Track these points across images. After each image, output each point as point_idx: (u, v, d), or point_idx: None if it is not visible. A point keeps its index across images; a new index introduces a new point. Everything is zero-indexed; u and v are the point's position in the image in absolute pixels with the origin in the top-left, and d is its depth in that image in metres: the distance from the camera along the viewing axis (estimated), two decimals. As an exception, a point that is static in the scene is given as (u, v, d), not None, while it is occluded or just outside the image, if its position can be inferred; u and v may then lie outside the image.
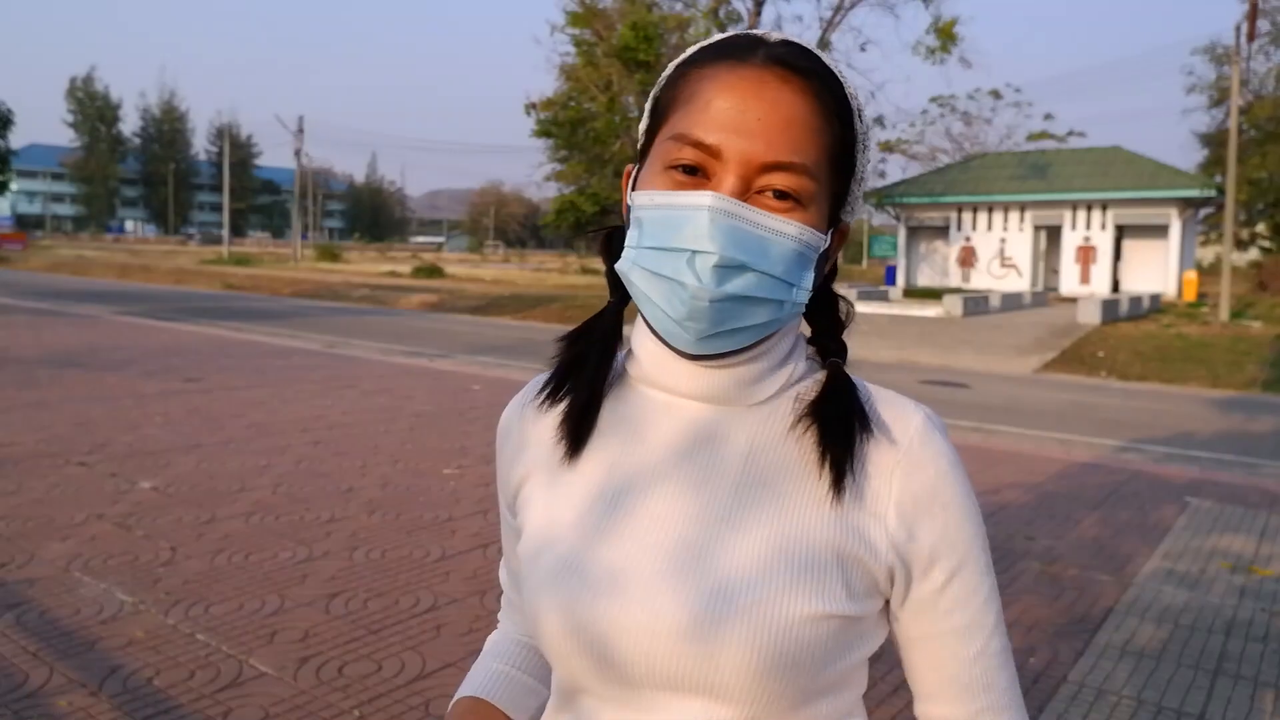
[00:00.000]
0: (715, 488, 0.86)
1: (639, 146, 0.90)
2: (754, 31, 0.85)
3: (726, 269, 0.78)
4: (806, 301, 0.85)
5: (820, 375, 0.89)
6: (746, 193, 0.80)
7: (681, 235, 0.79)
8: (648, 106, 0.89)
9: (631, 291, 0.86)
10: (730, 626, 0.80)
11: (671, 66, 0.88)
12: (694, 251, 0.78)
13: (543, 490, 0.93)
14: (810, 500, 0.84)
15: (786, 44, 0.83)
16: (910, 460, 0.85)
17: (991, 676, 0.88)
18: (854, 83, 0.86)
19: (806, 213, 0.81)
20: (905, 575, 0.86)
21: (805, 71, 0.81)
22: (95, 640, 3.54)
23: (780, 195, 0.80)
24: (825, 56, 0.84)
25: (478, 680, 1.06)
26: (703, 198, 0.78)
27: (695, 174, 0.81)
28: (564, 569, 0.86)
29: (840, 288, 0.95)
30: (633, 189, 0.87)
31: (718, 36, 0.87)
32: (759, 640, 0.79)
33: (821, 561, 0.82)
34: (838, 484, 0.83)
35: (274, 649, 3.53)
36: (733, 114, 0.79)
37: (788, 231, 0.80)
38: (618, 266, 0.87)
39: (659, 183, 0.82)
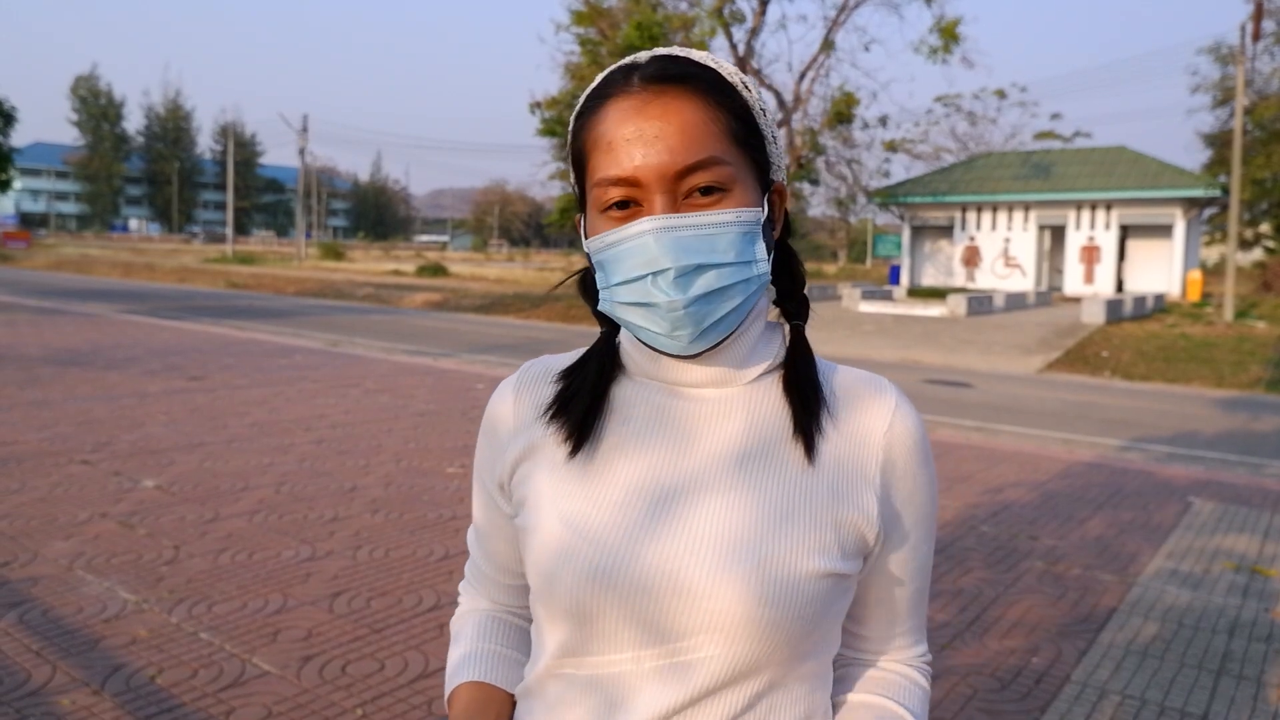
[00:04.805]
0: (725, 463, 0.93)
1: (576, 197, 0.98)
2: (626, 61, 0.92)
3: (686, 276, 0.86)
4: (769, 269, 0.92)
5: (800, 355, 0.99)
6: (676, 203, 0.87)
7: (637, 263, 0.87)
8: (568, 161, 0.97)
9: (622, 325, 0.93)
10: (743, 582, 0.87)
11: (573, 120, 0.95)
12: (653, 273, 0.86)
13: (551, 482, 0.97)
14: (805, 468, 0.93)
15: (657, 60, 0.90)
16: (893, 432, 0.96)
17: (915, 609, 1.03)
18: (732, 69, 0.93)
19: (734, 195, 0.88)
20: (885, 533, 0.96)
21: (678, 77, 0.89)
22: (98, 639, 3.54)
23: (706, 191, 0.87)
24: (697, 54, 0.91)
25: (473, 664, 1.08)
26: (641, 224, 0.86)
27: (628, 206, 0.88)
28: (615, 565, 0.90)
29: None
30: (585, 235, 0.95)
31: (599, 77, 0.94)
32: (768, 594, 0.87)
33: (820, 523, 0.91)
34: (808, 445, 0.93)
35: (277, 648, 3.54)
36: (633, 142, 0.87)
37: (724, 220, 0.87)
38: (600, 308, 0.95)
39: (602, 225, 0.90)
